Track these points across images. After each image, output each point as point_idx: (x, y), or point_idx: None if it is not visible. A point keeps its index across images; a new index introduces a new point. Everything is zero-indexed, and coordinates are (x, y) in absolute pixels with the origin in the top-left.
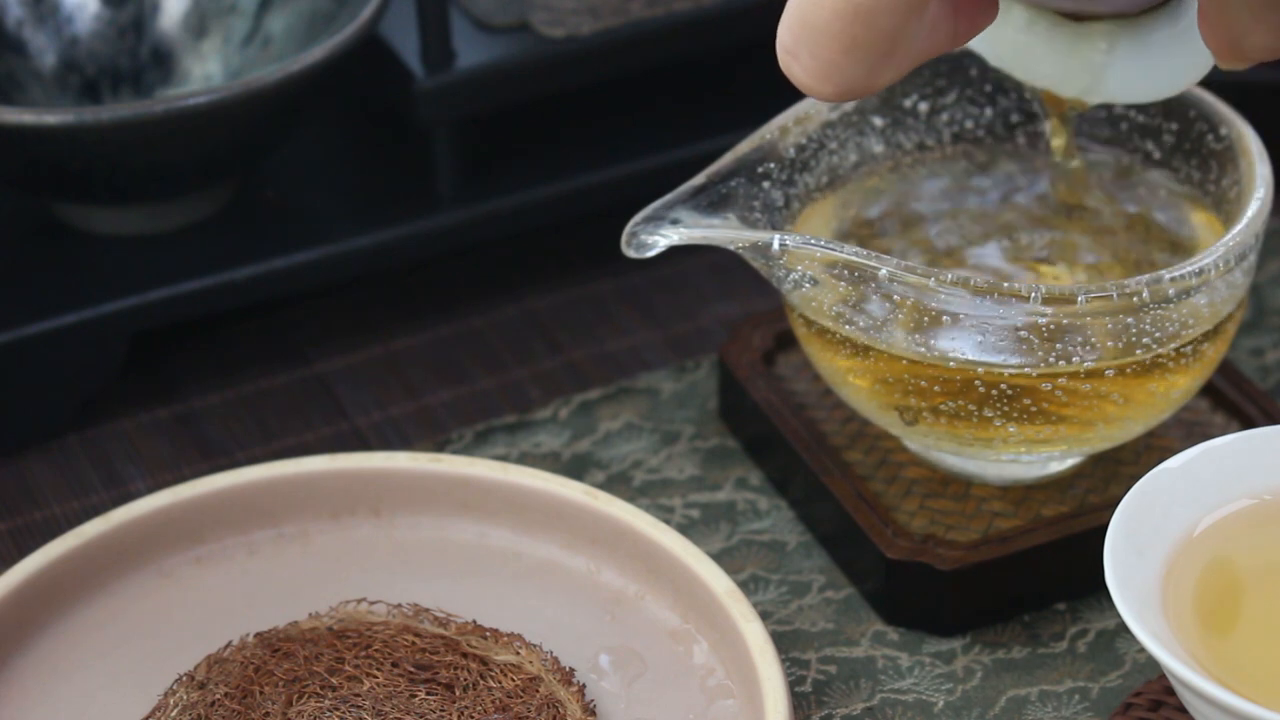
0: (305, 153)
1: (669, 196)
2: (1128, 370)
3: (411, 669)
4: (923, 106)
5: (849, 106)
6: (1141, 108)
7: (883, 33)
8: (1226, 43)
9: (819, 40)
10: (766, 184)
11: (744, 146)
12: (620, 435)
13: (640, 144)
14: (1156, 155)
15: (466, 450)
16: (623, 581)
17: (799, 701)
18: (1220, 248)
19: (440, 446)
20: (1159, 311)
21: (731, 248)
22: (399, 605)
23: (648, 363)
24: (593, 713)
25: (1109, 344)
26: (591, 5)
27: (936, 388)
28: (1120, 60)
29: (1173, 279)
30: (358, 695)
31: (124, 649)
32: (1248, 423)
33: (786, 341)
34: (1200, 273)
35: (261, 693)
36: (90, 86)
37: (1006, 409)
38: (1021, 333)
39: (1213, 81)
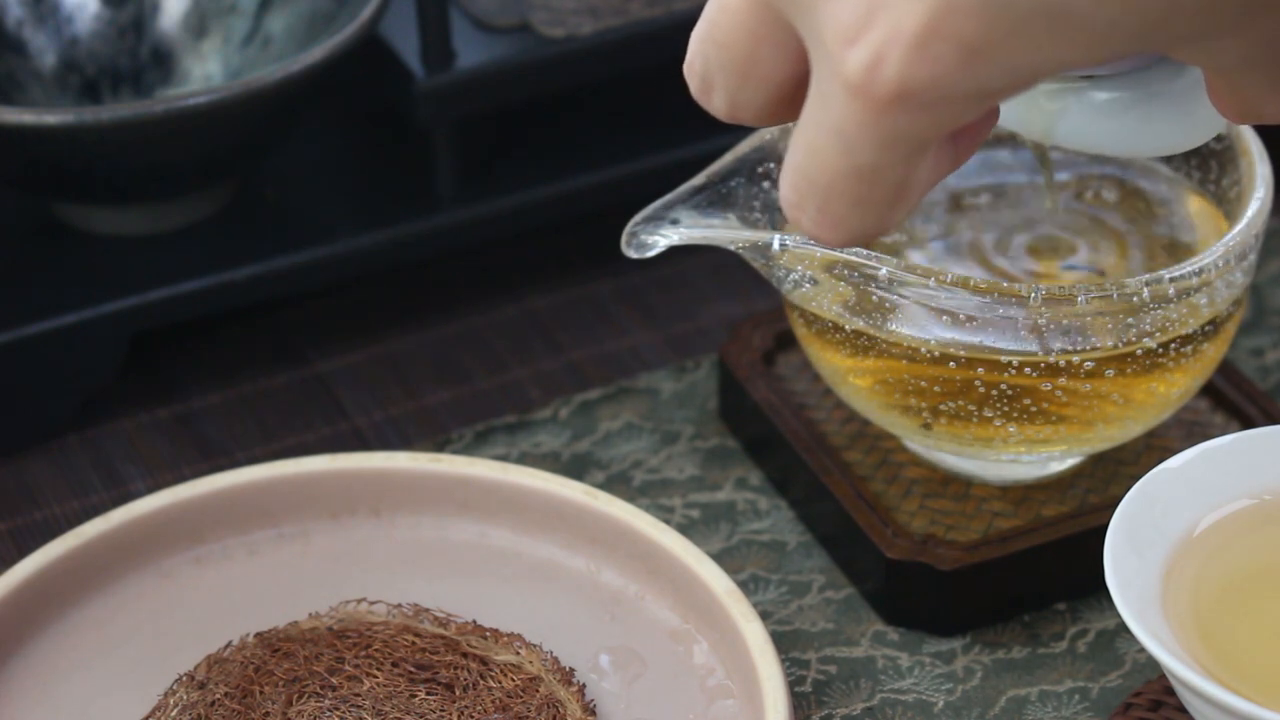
0: (305, 153)
1: (669, 196)
2: (1128, 370)
3: (411, 669)
4: None
5: None
6: None
7: (888, 186)
8: (1239, 112)
9: (824, 196)
10: (766, 184)
11: (744, 146)
12: (620, 435)
13: (640, 144)
14: (1127, 157)
15: (466, 450)
16: (623, 581)
17: (799, 701)
18: (1220, 248)
19: (440, 446)
20: (1159, 311)
21: (731, 248)
22: (399, 605)
23: (648, 363)
24: (593, 713)
25: (1109, 344)
26: (591, 5)
27: (936, 388)
28: (1071, 114)
29: (1173, 279)
30: (358, 695)
31: (124, 649)
32: (1248, 423)
33: (786, 341)
34: (1200, 273)
35: (261, 693)
36: (90, 86)
37: (1006, 409)
38: (1021, 333)
39: None
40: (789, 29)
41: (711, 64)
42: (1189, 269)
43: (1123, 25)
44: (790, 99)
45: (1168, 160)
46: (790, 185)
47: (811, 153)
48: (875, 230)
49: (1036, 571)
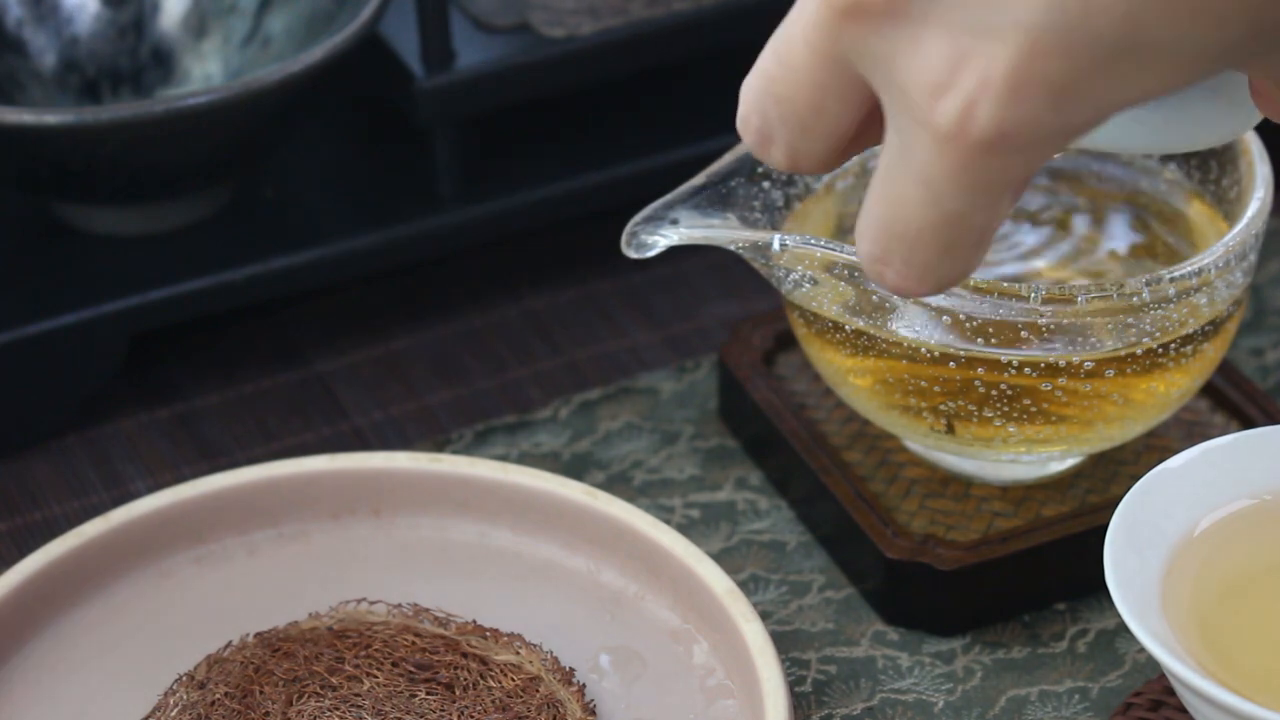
0: (305, 153)
1: (669, 196)
2: (1128, 370)
3: (411, 669)
4: None
5: None
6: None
7: (976, 231)
8: None
9: (910, 248)
10: (766, 184)
11: (744, 146)
12: (620, 435)
13: (640, 144)
14: (1156, 155)
15: (466, 450)
16: (623, 581)
17: (799, 701)
18: (1220, 248)
19: (440, 446)
20: (1159, 311)
21: (731, 248)
22: (399, 605)
23: (648, 363)
24: (593, 713)
25: (1109, 344)
26: (591, 5)
27: (936, 388)
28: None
29: (1173, 279)
30: (358, 695)
31: (124, 649)
32: (1248, 423)
33: (786, 341)
34: (1200, 273)
35: (261, 693)
36: (90, 86)
37: (1006, 409)
38: (1022, 332)
39: None
40: (857, 80)
41: (771, 119)
42: (1189, 269)
43: (1207, 50)
44: (849, 146)
45: (1168, 160)
46: (871, 240)
47: (895, 204)
48: (963, 275)
49: (1036, 571)
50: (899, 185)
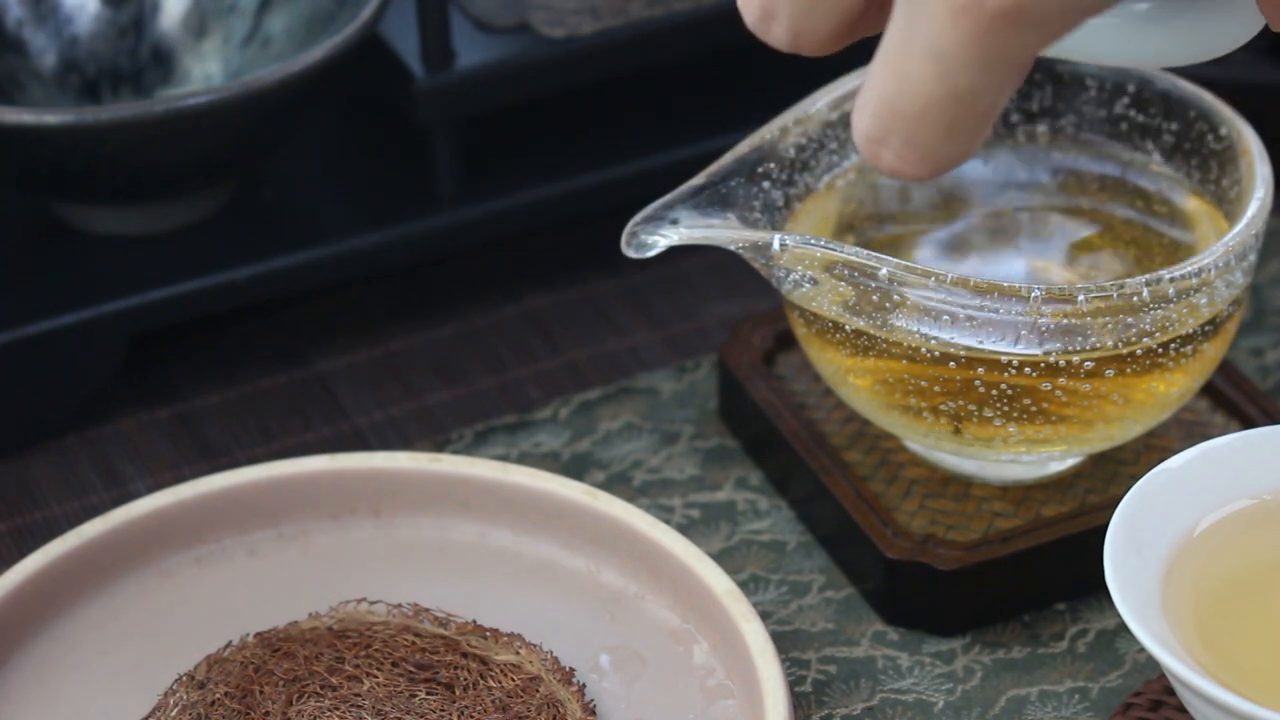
0: (305, 153)
1: (669, 196)
2: (1128, 370)
3: (411, 669)
4: None
5: (849, 106)
6: (1141, 107)
7: (981, 110)
8: None
9: (913, 126)
10: (766, 184)
11: (744, 146)
12: (620, 435)
13: (640, 144)
14: (1156, 155)
15: (466, 450)
16: (623, 581)
17: (799, 701)
18: (1220, 248)
19: (440, 446)
20: (1159, 311)
21: (731, 248)
22: (399, 605)
23: (648, 363)
24: (593, 713)
25: (1109, 344)
26: (591, 5)
27: (936, 388)
28: (1111, 26)
29: (1173, 279)
30: (358, 695)
31: (124, 649)
32: (1248, 423)
33: (786, 341)
34: (1200, 273)
35: (261, 693)
36: (90, 86)
37: (1006, 409)
38: (1021, 332)
39: (1212, 81)
40: None
41: None
42: (1189, 269)
43: None
44: (854, 25)
45: (1168, 160)
46: (871, 117)
47: (900, 80)
48: (962, 157)
49: (1036, 571)
50: (905, 61)
